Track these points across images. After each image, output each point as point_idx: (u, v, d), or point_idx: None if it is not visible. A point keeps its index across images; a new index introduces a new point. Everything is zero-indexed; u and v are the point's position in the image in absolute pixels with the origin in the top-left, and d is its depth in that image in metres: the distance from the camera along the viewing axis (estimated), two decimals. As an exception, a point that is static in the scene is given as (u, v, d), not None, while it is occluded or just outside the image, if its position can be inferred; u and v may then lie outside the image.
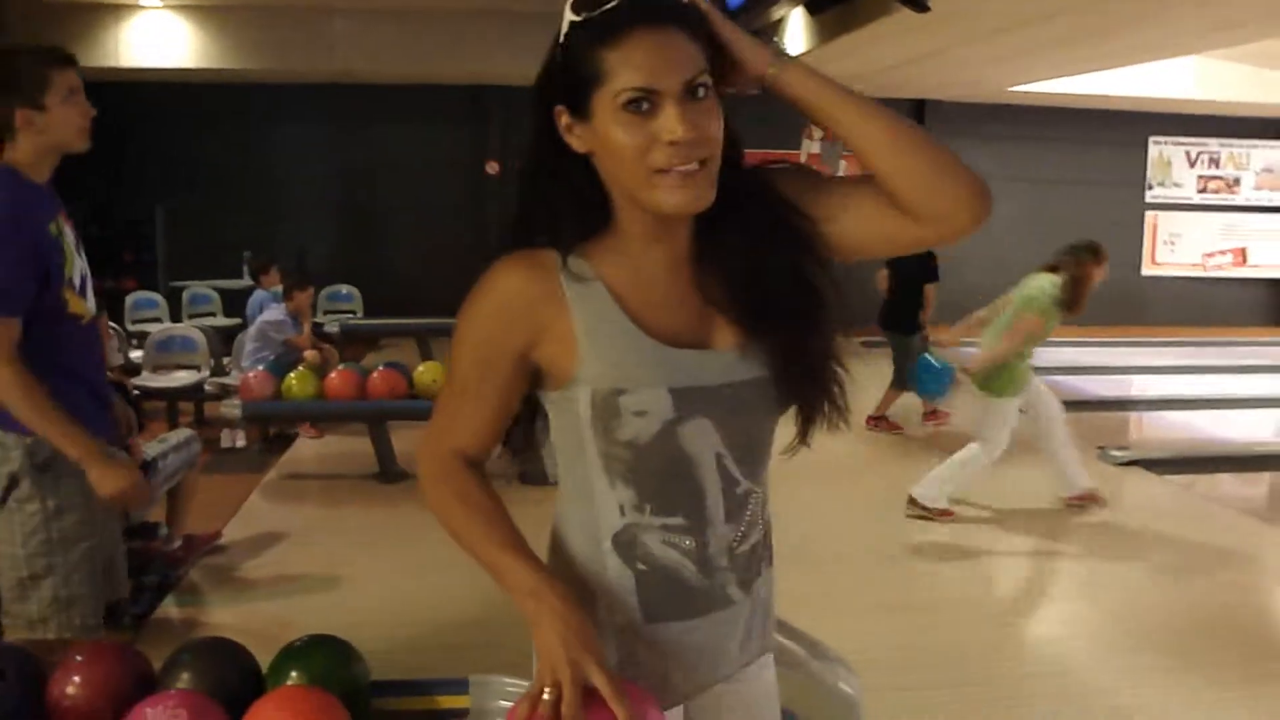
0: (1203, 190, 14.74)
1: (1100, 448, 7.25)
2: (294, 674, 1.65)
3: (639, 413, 1.38)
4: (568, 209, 1.41)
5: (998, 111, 13.20)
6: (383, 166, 13.38)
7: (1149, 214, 14.62)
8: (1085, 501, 5.90)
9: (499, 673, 1.93)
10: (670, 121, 1.28)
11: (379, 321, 10.97)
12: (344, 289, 11.70)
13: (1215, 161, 14.77)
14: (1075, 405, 9.18)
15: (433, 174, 13.41)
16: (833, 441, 1.55)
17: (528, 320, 1.39)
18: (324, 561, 4.97)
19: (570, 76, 1.32)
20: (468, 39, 11.60)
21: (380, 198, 13.42)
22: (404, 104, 13.12)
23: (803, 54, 8.99)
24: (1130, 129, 14.25)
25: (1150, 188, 14.58)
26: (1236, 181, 14.83)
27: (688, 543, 1.46)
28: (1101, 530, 5.68)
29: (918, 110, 13.34)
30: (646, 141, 1.29)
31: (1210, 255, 14.75)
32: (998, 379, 5.60)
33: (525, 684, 2.27)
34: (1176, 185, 14.68)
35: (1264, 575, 5.21)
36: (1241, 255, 14.88)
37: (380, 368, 6.33)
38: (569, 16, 1.32)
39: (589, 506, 1.48)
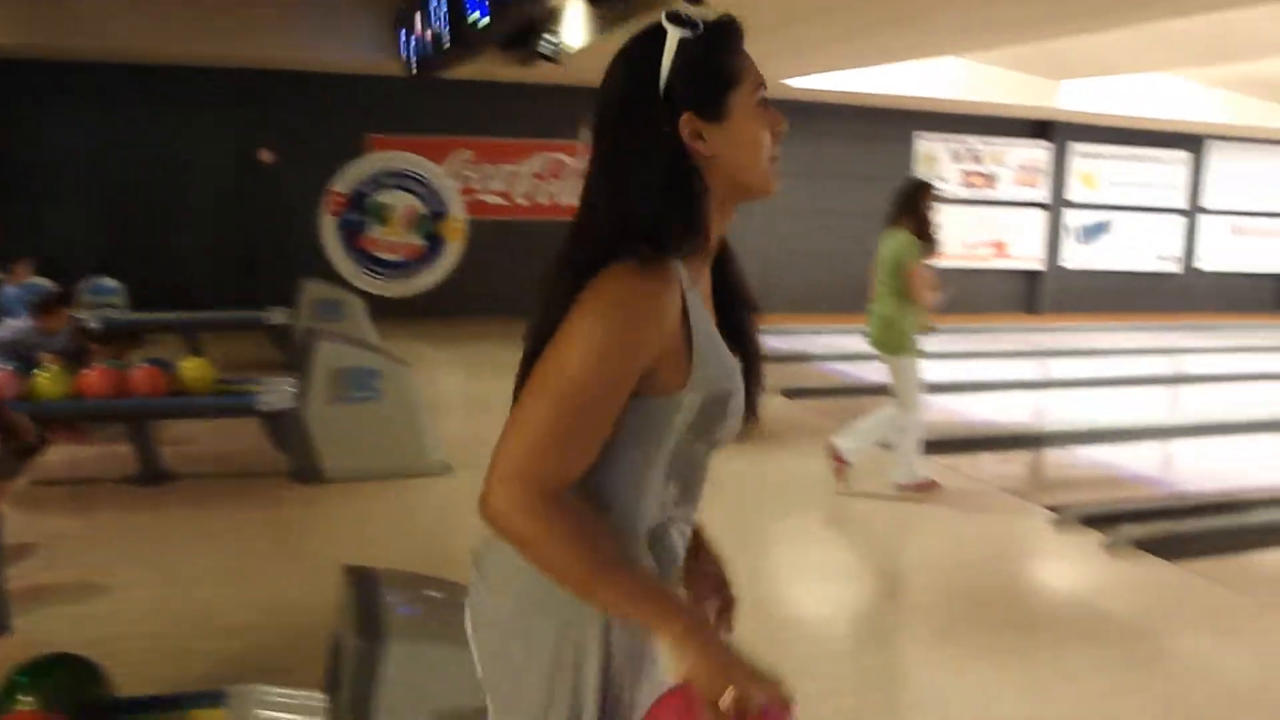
0: (965, 185, 15.57)
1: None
2: (23, 697, 1.50)
3: (734, 414, 1.52)
4: (682, 217, 1.44)
5: (776, 107, 13.57)
6: (150, 152, 12.64)
7: (916, 207, 15.33)
8: (921, 490, 6.01)
9: (263, 681, 1.80)
10: (777, 115, 1.52)
11: (145, 315, 10.35)
12: (107, 281, 10.98)
13: (977, 158, 15.63)
14: (843, 392, 9.59)
15: (203, 161, 12.78)
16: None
17: (664, 330, 1.40)
18: (79, 572, 4.63)
19: (706, 83, 1.44)
20: (239, 21, 11.06)
21: (147, 185, 12.67)
22: (173, 87, 12.43)
23: (581, 47, 8.98)
24: (899, 126, 14.93)
25: (917, 182, 15.28)
26: (995, 177, 15.74)
27: (687, 531, 1.58)
28: (871, 514, 5.90)
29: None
30: (768, 134, 1.50)
31: (971, 246, 15.60)
32: (893, 337, 5.79)
33: (289, 691, 2.16)
34: (941, 180, 15.44)
35: (1022, 549, 5.51)
36: (999, 247, 15.82)
37: (141, 364, 5.98)
38: (679, 32, 1.44)
39: (636, 502, 1.48)
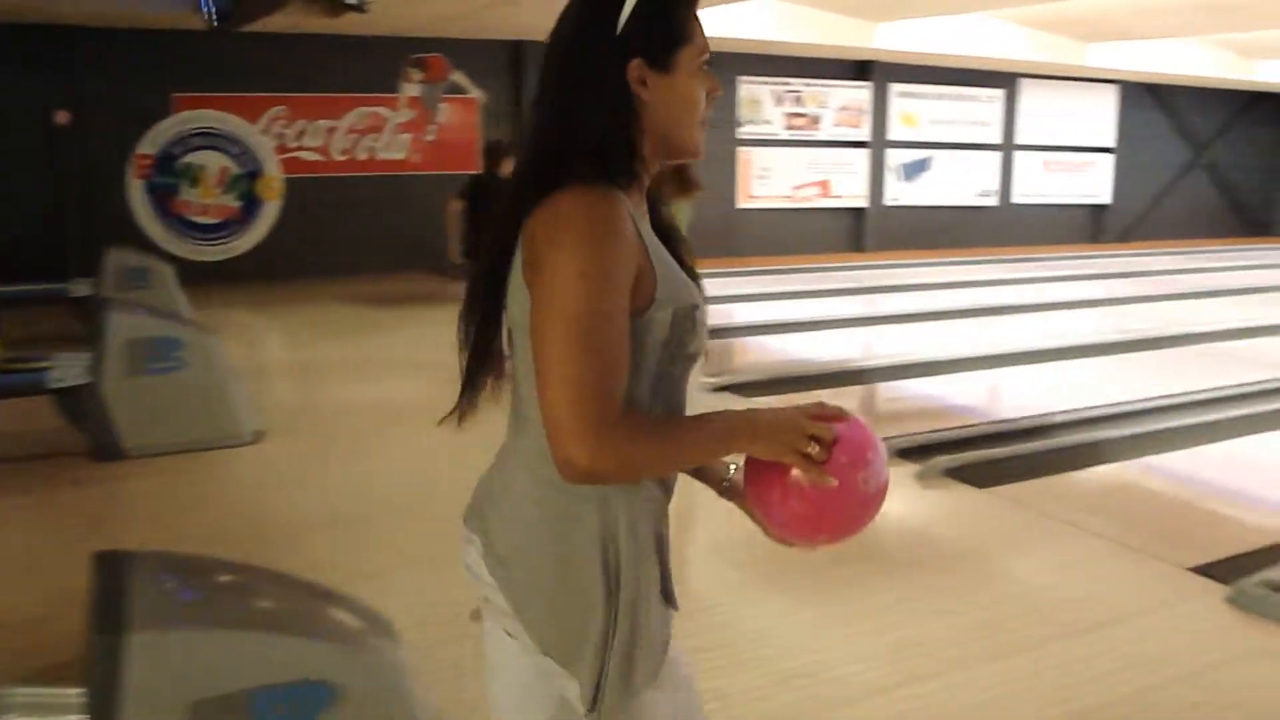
0: (789, 127, 15.74)
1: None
2: None
3: (702, 325, 1.57)
4: (622, 152, 1.51)
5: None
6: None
7: (741, 150, 15.46)
8: None
9: (47, 680, 1.67)
10: (716, 80, 1.62)
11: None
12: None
13: (799, 100, 15.80)
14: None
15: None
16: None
17: (631, 245, 1.45)
18: None
19: (659, 35, 1.53)
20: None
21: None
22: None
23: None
24: (720, 70, 14.88)
25: (741, 125, 15.39)
26: (818, 119, 15.96)
27: None
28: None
29: (515, 53, 13.36)
30: (704, 96, 1.59)
31: (798, 187, 15.83)
32: None
33: (41, 690, 2.05)
34: (766, 123, 15.59)
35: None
36: (825, 187, 16.10)
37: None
38: None
39: None
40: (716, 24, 12.74)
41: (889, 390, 8.08)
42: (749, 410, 1.50)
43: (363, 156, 13.39)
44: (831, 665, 3.51)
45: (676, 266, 1.56)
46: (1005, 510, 5.10)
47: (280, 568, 3.15)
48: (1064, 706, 3.23)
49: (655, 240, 1.54)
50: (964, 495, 5.23)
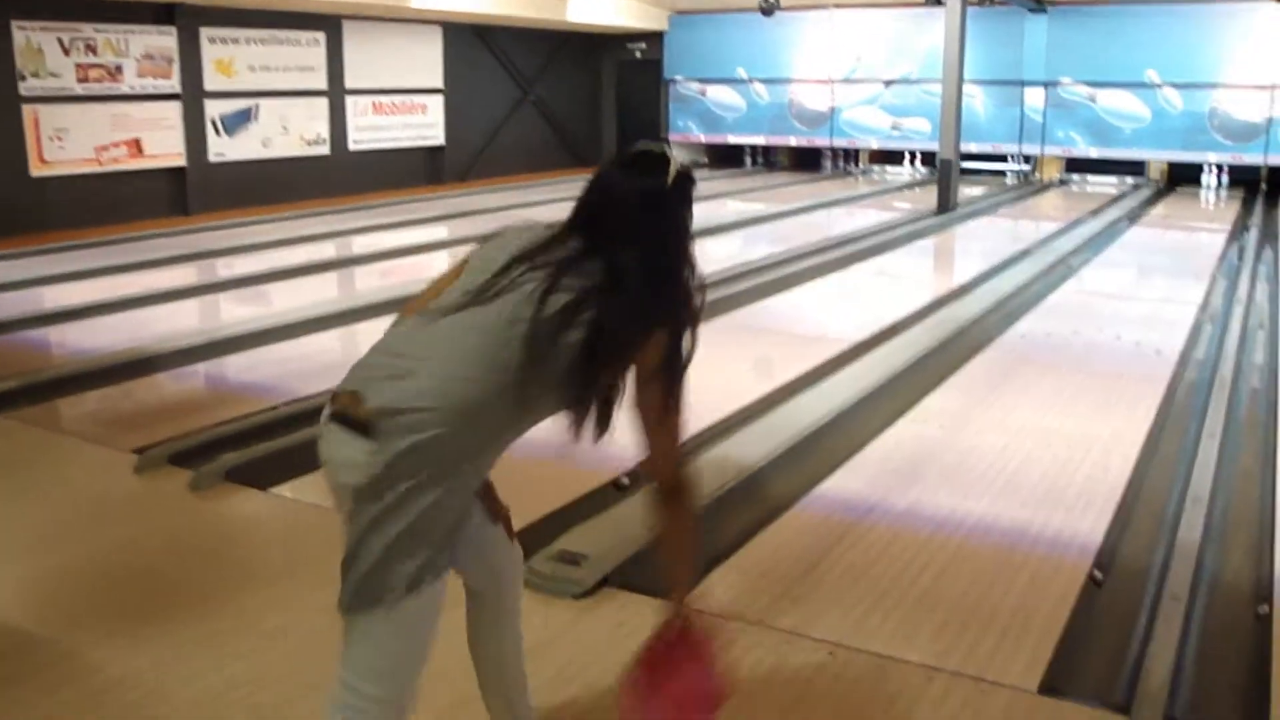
0: (84, 80, 13.86)
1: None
2: None
3: None
4: None
5: None
6: None
7: (27, 109, 13.34)
8: None
9: None
10: None
11: None
12: None
13: (93, 49, 13.96)
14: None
15: None
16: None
17: None
18: None
19: None
20: None
21: None
22: None
23: None
24: (-11, 10, 12.77)
25: (24, 79, 13.28)
26: (119, 69, 14.23)
27: None
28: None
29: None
30: None
31: (103, 149, 14.05)
32: None
33: None
34: (54, 75, 13.59)
35: (108, 510, 4.69)
36: (136, 146, 14.44)
37: None
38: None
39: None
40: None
41: (183, 376, 7.01)
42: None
43: None
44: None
45: None
46: (294, 511, 4.50)
47: None
48: None
49: None
50: (247, 501, 4.55)
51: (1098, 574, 4.08)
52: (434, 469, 2.14)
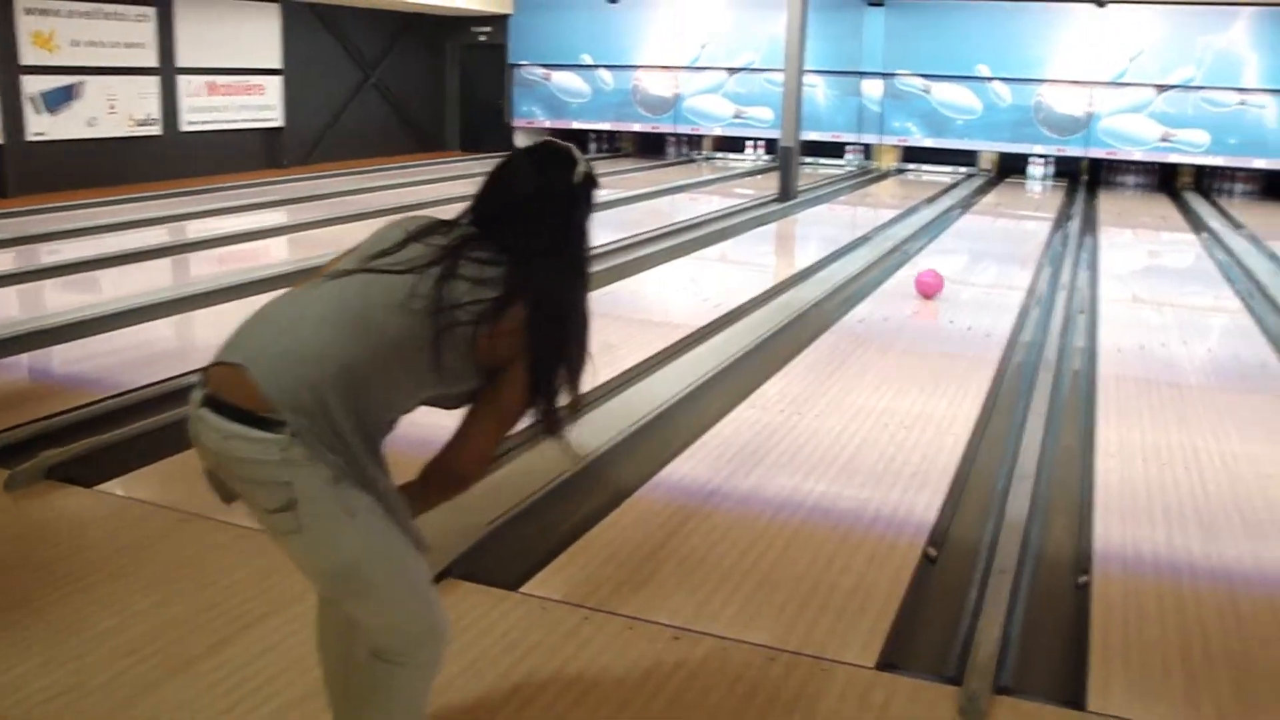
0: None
1: None
2: None
3: None
4: None
5: None
6: None
7: None
8: None
9: None
10: None
11: None
12: None
13: (-103, 19, 13.07)
14: None
15: None
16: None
17: None
18: None
19: None
20: None
21: None
22: None
23: None
24: None
25: None
26: (-73, 41, 13.36)
27: None
28: None
29: None
30: None
31: (-90, 126, 13.18)
32: None
33: None
34: None
35: None
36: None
37: None
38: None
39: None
40: None
41: (1, 368, 6.67)
42: None
43: None
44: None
45: None
46: (126, 510, 4.30)
47: None
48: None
49: None
50: (74, 499, 4.34)
51: (931, 551, 4.22)
52: (330, 440, 2.15)
